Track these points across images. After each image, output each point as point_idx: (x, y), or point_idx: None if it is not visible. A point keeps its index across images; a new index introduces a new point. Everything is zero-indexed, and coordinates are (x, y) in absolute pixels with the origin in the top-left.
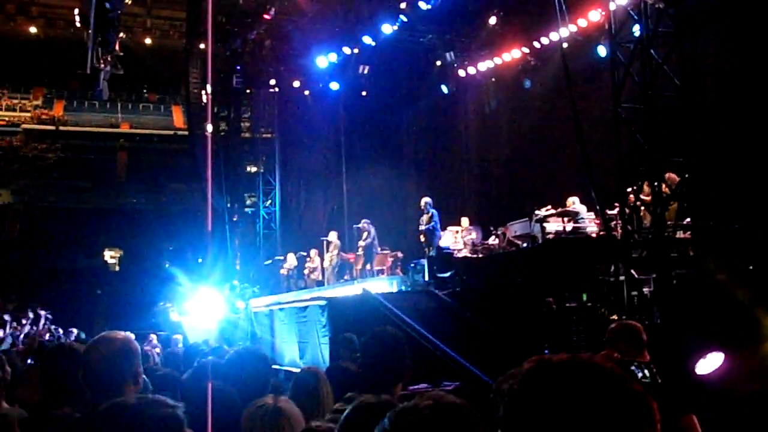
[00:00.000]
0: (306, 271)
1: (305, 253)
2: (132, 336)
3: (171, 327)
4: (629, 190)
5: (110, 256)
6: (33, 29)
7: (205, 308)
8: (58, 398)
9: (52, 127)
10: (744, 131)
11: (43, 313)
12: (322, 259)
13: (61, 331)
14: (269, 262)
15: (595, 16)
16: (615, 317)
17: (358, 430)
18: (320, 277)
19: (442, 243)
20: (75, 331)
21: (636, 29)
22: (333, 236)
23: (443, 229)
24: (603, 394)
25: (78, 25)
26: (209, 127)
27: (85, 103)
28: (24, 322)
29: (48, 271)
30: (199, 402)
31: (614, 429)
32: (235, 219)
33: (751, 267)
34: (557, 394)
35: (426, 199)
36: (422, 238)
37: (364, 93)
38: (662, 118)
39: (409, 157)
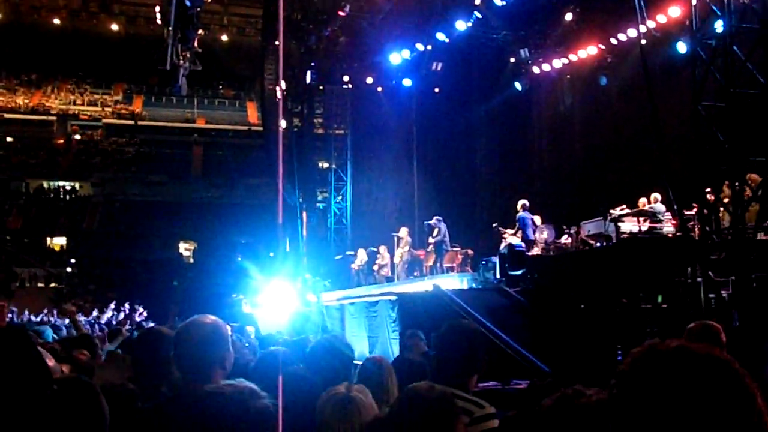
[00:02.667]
0: (375, 267)
1: (375, 249)
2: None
3: (243, 319)
4: (708, 190)
5: (185, 248)
6: (115, 26)
7: (277, 301)
8: (144, 380)
9: (131, 122)
10: None
11: (126, 306)
12: (392, 255)
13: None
14: (340, 257)
15: (675, 11)
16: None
17: (409, 417)
18: (390, 273)
19: (514, 241)
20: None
21: (718, 25)
22: (404, 232)
23: (513, 227)
24: (710, 378)
25: (158, 22)
26: (282, 123)
27: (162, 98)
28: (105, 311)
29: (124, 261)
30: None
31: (718, 411)
32: (306, 214)
33: None
34: (663, 377)
35: (521, 202)
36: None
37: (436, 89)
38: (745, 116)
39: (481, 155)
